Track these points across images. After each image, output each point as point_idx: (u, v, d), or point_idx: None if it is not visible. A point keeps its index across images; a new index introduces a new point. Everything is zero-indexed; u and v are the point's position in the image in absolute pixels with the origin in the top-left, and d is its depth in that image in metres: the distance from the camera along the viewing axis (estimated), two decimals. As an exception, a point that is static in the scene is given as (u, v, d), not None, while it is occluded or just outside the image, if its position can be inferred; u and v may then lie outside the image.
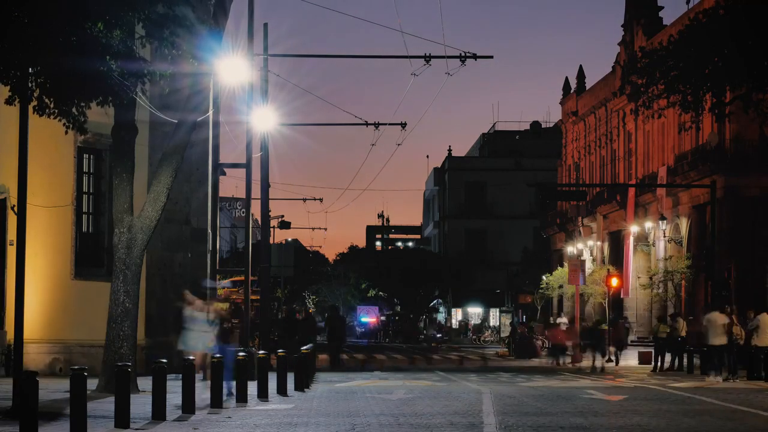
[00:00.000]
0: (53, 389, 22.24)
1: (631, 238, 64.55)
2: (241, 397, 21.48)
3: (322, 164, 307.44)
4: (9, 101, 18.85)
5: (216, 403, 20.11)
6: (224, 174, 52.12)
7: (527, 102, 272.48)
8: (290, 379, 25.34)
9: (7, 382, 21.21)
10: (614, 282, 51.96)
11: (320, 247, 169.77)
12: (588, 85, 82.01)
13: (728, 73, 33.08)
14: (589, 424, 17.78)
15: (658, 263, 60.75)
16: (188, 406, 18.89)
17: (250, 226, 35.79)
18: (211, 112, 29.24)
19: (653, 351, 40.16)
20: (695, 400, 23.38)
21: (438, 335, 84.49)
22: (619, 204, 69.24)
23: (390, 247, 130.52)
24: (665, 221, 57.91)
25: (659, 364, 38.83)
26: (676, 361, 38.77)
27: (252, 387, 22.71)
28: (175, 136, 24.78)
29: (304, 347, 29.07)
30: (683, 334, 38.97)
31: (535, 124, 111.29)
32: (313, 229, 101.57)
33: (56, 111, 19.63)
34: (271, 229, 63.41)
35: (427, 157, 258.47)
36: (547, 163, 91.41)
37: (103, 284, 26.61)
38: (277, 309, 57.91)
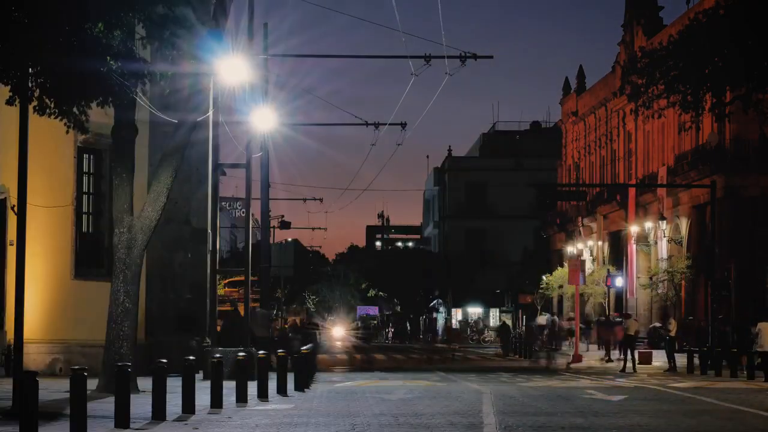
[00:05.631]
0: (53, 389, 22.24)
1: (634, 239, 64.53)
2: (242, 397, 21.49)
3: (322, 164, 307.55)
4: (9, 101, 18.85)
5: (216, 403, 20.11)
6: (224, 174, 52.15)
7: (527, 102, 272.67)
8: (290, 379, 25.36)
9: (7, 382, 21.22)
10: (614, 282, 51.95)
11: (320, 247, 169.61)
12: (588, 85, 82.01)
13: (728, 73, 33.07)
14: (589, 424, 17.79)
15: (659, 263, 60.76)
16: (188, 406, 18.89)
17: (250, 226, 35.80)
18: (211, 112, 29.23)
19: (666, 350, 39.89)
20: (695, 401, 23.39)
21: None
22: (619, 204, 69.23)
23: (390, 247, 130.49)
24: (665, 221, 57.92)
25: (673, 363, 38.62)
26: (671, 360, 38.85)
27: (252, 387, 22.72)
28: (175, 136, 24.78)
29: (305, 347, 29.08)
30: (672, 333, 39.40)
31: (535, 124, 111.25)
32: (313, 229, 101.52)
33: (56, 111, 19.64)
34: (271, 229, 63.43)
35: (427, 157, 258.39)
36: (547, 163, 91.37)
37: (103, 284, 26.61)
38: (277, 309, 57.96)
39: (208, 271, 31.59)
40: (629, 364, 38.59)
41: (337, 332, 80.00)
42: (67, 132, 21.30)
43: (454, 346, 67.85)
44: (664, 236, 59.92)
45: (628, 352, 39.01)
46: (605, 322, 51.00)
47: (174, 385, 19.80)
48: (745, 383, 30.43)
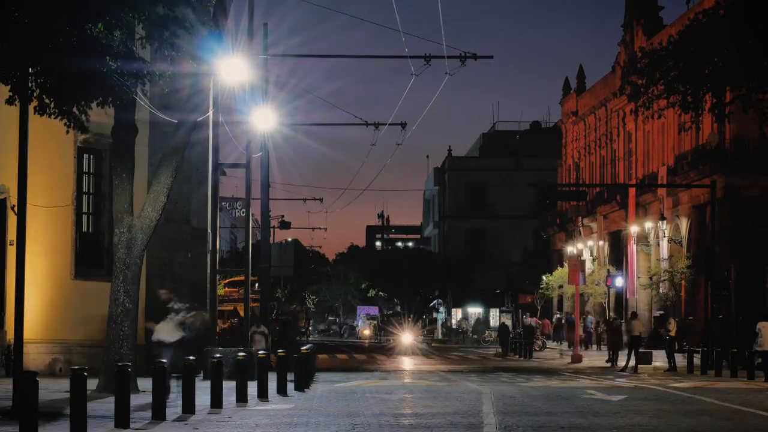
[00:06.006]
0: (53, 389, 22.24)
1: (634, 239, 64.53)
2: (242, 397, 21.49)
3: (322, 164, 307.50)
4: (9, 101, 18.86)
5: (216, 403, 20.11)
6: (224, 174, 52.19)
7: (527, 102, 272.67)
8: (290, 378, 25.35)
9: (7, 382, 21.22)
10: (614, 282, 51.97)
11: (320, 247, 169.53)
12: (588, 85, 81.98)
13: (728, 73, 33.07)
14: (589, 424, 17.79)
15: (658, 263, 60.74)
16: (188, 406, 18.90)
17: (250, 226, 35.80)
18: (211, 112, 29.23)
19: (666, 350, 39.87)
20: (695, 400, 23.39)
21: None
22: (619, 204, 69.23)
23: (390, 247, 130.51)
24: (665, 221, 57.90)
25: (673, 363, 38.63)
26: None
27: (252, 387, 22.72)
28: (175, 136, 24.78)
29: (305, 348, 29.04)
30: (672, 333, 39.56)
31: (535, 124, 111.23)
32: (313, 229, 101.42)
33: (56, 111, 19.64)
34: (271, 229, 63.45)
35: (427, 157, 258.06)
36: (547, 163, 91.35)
37: (103, 284, 26.61)
38: (276, 309, 57.92)
39: (208, 271, 31.58)
40: (631, 364, 38.62)
41: (407, 339, 69.65)
42: (67, 132, 21.30)
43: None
44: (664, 236, 59.91)
45: (632, 352, 39.13)
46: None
47: (174, 385, 19.80)
48: (745, 383, 30.43)
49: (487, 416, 18.83)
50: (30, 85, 18.85)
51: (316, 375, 31.72)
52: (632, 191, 65.77)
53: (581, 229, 76.78)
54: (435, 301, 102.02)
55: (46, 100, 19.30)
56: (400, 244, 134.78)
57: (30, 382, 13.97)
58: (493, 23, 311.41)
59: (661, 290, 59.64)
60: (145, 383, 21.58)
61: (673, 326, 40.27)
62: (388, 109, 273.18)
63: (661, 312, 48.21)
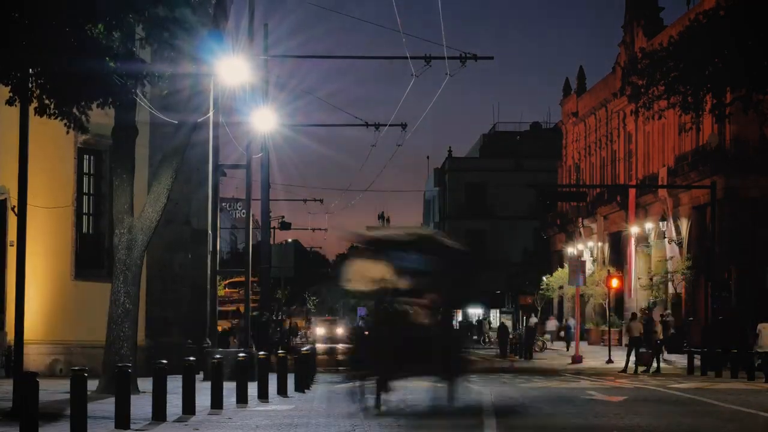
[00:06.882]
0: (53, 390, 22.23)
1: (633, 240, 64.54)
2: (242, 398, 21.49)
3: (322, 165, 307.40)
4: (10, 102, 18.86)
5: (216, 403, 20.11)
6: (224, 175, 52.12)
7: (527, 102, 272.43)
8: (290, 379, 25.34)
9: (7, 382, 21.22)
10: (614, 283, 51.96)
11: (320, 248, 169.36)
12: (588, 86, 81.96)
13: (728, 74, 33.07)
14: (589, 424, 17.79)
15: (659, 264, 60.72)
16: (188, 406, 18.89)
17: (251, 227, 35.81)
18: (211, 113, 29.24)
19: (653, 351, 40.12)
20: (696, 401, 23.39)
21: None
22: (619, 205, 69.22)
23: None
24: (665, 222, 57.88)
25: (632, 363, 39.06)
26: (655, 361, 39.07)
27: (252, 388, 22.71)
28: (176, 137, 24.77)
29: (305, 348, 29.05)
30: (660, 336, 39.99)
31: (536, 125, 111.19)
32: (313, 230, 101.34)
33: (57, 112, 19.65)
34: (272, 230, 63.44)
35: (428, 157, 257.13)
36: (547, 163, 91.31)
37: (104, 285, 26.61)
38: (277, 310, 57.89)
39: (209, 271, 31.59)
40: (631, 365, 38.67)
41: None
42: (68, 133, 21.32)
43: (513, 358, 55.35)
44: (665, 237, 59.90)
45: (632, 353, 39.23)
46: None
47: (174, 386, 19.80)
48: (745, 384, 30.43)
49: (488, 417, 18.83)
50: (30, 85, 18.85)
51: (316, 376, 31.71)
52: (632, 192, 65.73)
53: (581, 229, 76.77)
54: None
55: (47, 101, 19.31)
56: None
57: (30, 383, 13.96)
58: (493, 24, 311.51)
59: (661, 291, 59.64)
60: (145, 384, 21.57)
61: (659, 330, 40.71)
62: (388, 110, 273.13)
63: (646, 313, 48.35)
